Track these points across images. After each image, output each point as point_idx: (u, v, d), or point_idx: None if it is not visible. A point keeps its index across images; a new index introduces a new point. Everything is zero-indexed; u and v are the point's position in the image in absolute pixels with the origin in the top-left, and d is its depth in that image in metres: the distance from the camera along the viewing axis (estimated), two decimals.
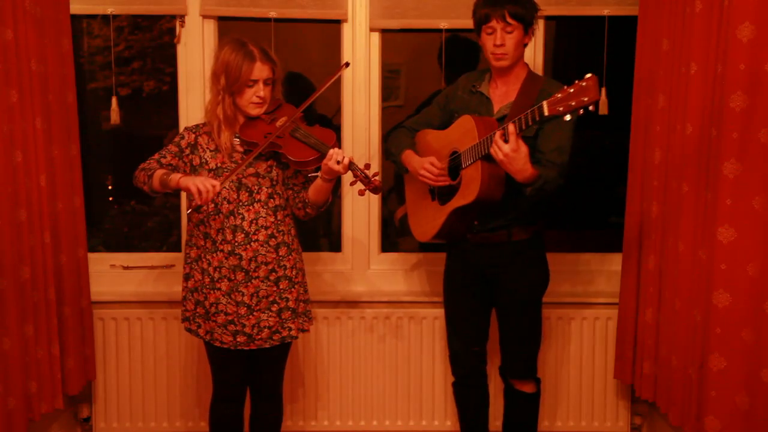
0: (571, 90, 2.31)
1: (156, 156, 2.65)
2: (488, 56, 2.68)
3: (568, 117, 2.34)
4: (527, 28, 2.65)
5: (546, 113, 2.35)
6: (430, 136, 2.86)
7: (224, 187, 2.58)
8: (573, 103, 2.29)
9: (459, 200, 2.66)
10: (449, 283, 2.93)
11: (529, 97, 2.65)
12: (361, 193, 2.60)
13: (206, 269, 2.63)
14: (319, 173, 2.59)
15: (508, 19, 2.59)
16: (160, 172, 2.56)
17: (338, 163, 2.51)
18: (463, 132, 2.66)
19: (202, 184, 2.44)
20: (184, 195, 3.34)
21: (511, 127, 2.43)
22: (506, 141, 2.44)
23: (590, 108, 2.29)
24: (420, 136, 2.90)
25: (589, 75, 2.29)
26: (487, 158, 2.54)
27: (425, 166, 2.72)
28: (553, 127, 2.57)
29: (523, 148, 2.45)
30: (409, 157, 2.82)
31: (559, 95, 2.33)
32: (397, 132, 2.97)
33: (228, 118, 2.61)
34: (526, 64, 2.77)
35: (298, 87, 3.45)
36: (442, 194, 2.76)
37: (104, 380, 3.33)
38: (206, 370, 2.81)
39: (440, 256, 3.16)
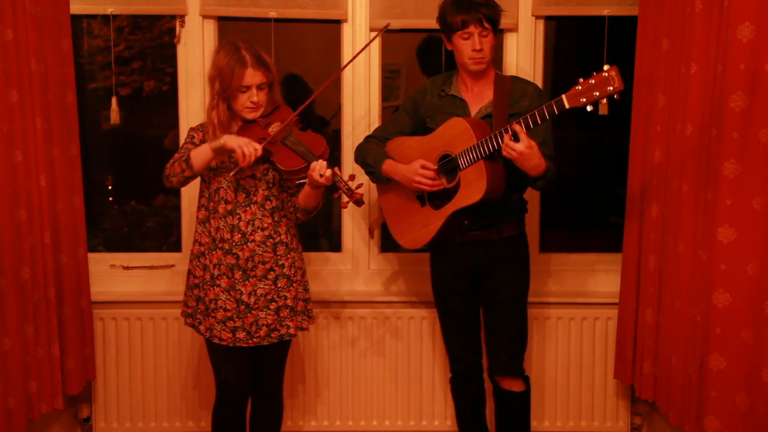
0: (592, 81, 2.35)
1: (178, 156, 2.64)
2: (465, 61, 2.69)
3: (590, 108, 2.37)
4: (496, 30, 2.69)
5: (567, 106, 2.39)
6: (409, 142, 2.83)
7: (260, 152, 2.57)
8: (597, 93, 2.34)
9: (460, 201, 2.65)
10: (438, 285, 2.93)
11: (506, 94, 2.70)
12: (344, 205, 2.56)
13: (207, 266, 2.65)
14: (306, 180, 2.60)
15: (485, 24, 2.63)
16: (202, 146, 2.56)
17: (321, 176, 2.51)
18: (454, 134, 2.65)
19: (246, 147, 2.48)
20: (184, 195, 3.36)
21: (517, 127, 2.45)
22: (515, 140, 2.46)
23: (615, 97, 2.34)
24: (394, 145, 2.88)
25: (608, 66, 2.34)
26: (490, 157, 2.56)
27: (419, 171, 2.69)
28: None
29: (534, 143, 2.48)
30: (394, 167, 2.79)
31: (579, 87, 2.37)
32: (366, 143, 2.94)
33: (222, 123, 2.61)
34: (492, 65, 2.79)
35: (297, 88, 3.45)
36: (435, 199, 2.74)
37: (104, 380, 3.33)
38: (207, 370, 2.81)
39: None
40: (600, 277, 3.44)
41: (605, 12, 3.24)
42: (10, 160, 2.67)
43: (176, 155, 2.65)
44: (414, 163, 2.71)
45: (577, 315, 3.33)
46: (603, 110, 3.09)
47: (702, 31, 2.54)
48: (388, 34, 3.36)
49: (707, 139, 2.52)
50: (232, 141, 2.51)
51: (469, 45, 2.66)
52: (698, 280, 2.57)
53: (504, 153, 2.48)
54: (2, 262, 2.63)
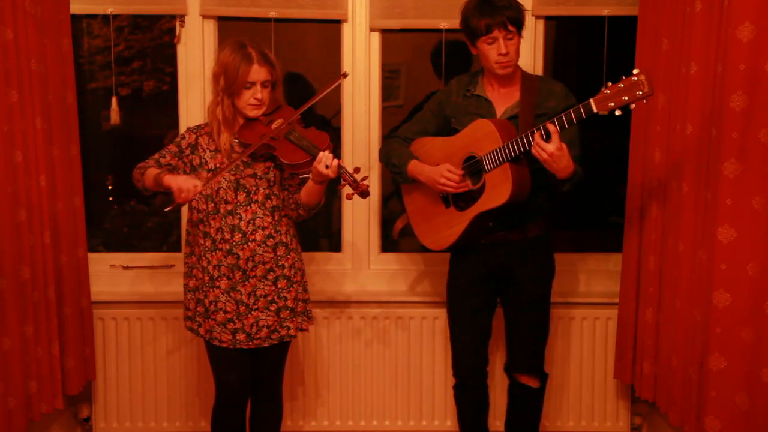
0: (621, 85, 2.33)
1: (156, 156, 2.67)
2: (491, 66, 2.66)
3: (618, 113, 2.36)
4: (521, 30, 2.66)
5: (594, 110, 2.38)
6: (434, 143, 2.83)
7: (208, 189, 2.59)
8: (626, 98, 2.33)
9: (485, 204, 2.64)
10: (455, 284, 2.92)
11: (532, 96, 2.67)
12: (349, 197, 2.59)
13: (206, 268, 2.64)
14: (309, 175, 2.60)
15: (509, 27, 2.60)
16: (153, 171, 2.58)
17: (327, 167, 2.52)
18: (480, 136, 2.64)
19: (184, 183, 2.47)
20: None
21: (551, 127, 2.43)
22: (546, 140, 2.44)
23: (644, 102, 2.33)
24: (419, 145, 2.88)
25: (637, 70, 2.33)
26: (515, 160, 2.55)
27: (445, 174, 2.68)
28: None
29: (564, 146, 2.46)
30: (419, 167, 2.79)
31: (607, 91, 2.35)
32: (391, 142, 2.94)
33: (227, 119, 2.61)
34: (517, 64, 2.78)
35: (297, 87, 3.45)
36: (460, 200, 2.74)
37: (104, 380, 3.33)
38: (207, 370, 2.81)
39: (440, 256, 3.16)
40: (600, 277, 3.44)
41: (605, 12, 3.24)
42: (10, 160, 2.67)
43: (155, 155, 2.66)
44: (440, 166, 2.71)
45: (577, 315, 3.34)
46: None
47: (702, 31, 2.54)
48: (388, 34, 3.37)
49: (707, 139, 2.52)
50: (170, 180, 2.50)
51: (494, 50, 2.62)
52: (698, 280, 2.57)
53: (533, 152, 2.46)
54: (2, 262, 2.63)
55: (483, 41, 2.63)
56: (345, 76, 2.73)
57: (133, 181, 2.66)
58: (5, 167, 2.64)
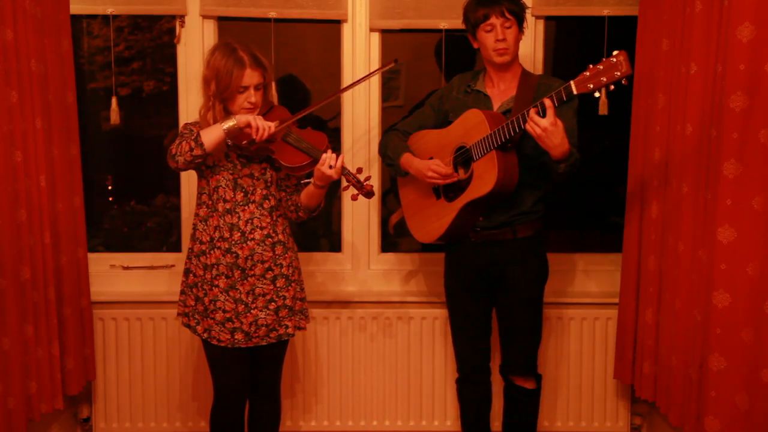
0: (600, 66, 2.35)
1: (184, 136, 2.57)
2: (490, 54, 2.70)
3: (597, 94, 2.38)
4: (520, 24, 2.70)
5: (575, 91, 2.39)
6: (429, 136, 2.86)
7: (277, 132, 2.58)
8: (604, 79, 2.34)
9: (473, 193, 2.66)
10: (451, 283, 2.93)
11: (530, 91, 2.70)
12: (354, 197, 2.59)
13: (207, 265, 2.64)
14: (311, 179, 2.59)
15: (507, 15, 2.65)
16: (206, 129, 2.50)
17: (330, 167, 2.51)
18: (470, 126, 2.67)
19: (262, 121, 2.48)
20: (184, 194, 3.36)
21: (548, 102, 2.43)
22: (542, 116, 2.45)
23: (623, 82, 2.33)
24: (416, 138, 2.90)
25: (617, 51, 2.33)
26: (502, 147, 2.57)
27: (432, 166, 2.71)
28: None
29: (560, 122, 2.46)
30: (410, 160, 2.82)
31: (587, 73, 2.37)
32: (389, 136, 2.97)
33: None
34: (520, 63, 2.81)
35: (296, 88, 3.45)
36: (450, 191, 2.76)
37: (104, 380, 3.33)
38: (206, 370, 2.81)
39: (441, 256, 3.15)
40: (600, 277, 3.44)
41: (605, 12, 3.24)
42: (10, 160, 2.66)
43: (178, 139, 2.58)
44: (429, 160, 2.74)
45: (576, 315, 3.33)
46: (603, 110, 3.10)
47: (702, 31, 2.54)
48: (388, 34, 3.37)
49: (707, 139, 2.52)
50: (243, 117, 2.50)
51: (492, 37, 2.67)
52: (698, 280, 2.57)
53: (528, 128, 2.47)
54: (2, 262, 2.63)
55: (482, 29, 2.68)
56: (396, 61, 2.85)
57: (176, 157, 2.50)
58: (5, 167, 2.63)
